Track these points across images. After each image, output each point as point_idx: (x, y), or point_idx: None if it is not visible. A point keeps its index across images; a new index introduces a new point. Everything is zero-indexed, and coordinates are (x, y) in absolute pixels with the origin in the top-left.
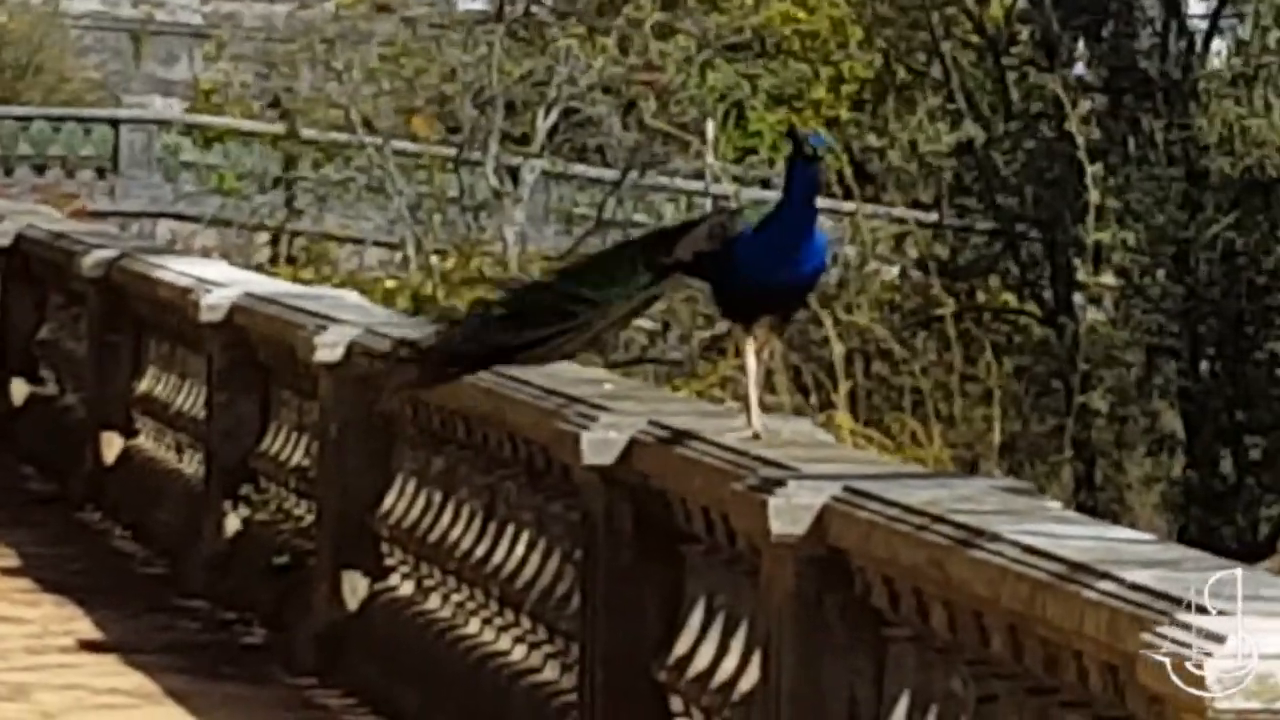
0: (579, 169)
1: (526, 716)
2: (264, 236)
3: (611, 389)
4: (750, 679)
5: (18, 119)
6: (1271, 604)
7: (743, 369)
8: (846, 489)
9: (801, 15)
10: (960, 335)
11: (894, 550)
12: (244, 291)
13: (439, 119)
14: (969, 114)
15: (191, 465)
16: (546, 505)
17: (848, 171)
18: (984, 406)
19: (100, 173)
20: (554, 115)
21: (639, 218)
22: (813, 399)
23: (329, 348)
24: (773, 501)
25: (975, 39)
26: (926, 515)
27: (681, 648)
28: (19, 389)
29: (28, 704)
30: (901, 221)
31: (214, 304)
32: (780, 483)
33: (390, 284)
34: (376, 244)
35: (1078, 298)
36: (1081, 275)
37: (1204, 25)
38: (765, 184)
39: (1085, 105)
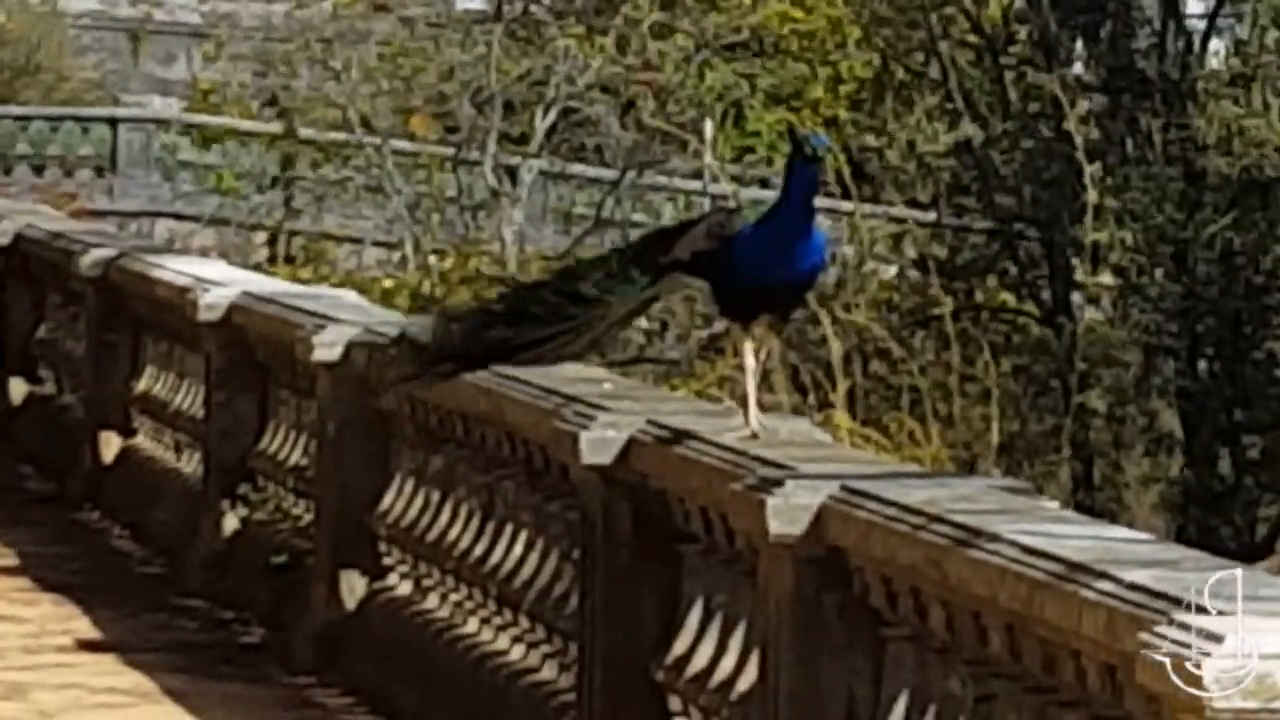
0: (577, 168)
1: (525, 716)
2: (262, 236)
3: (610, 388)
4: (748, 678)
5: (16, 118)
6: (1270, 604)
7: (741, 368)
8: (844, 488)
9: (799, 15)
10: (958, 335)
11: (892, 550)
12: (242, 291)
13: (437, 118)
14: (967, 113)
15: (190, 464)
16: (545, 504)
17: (846, 171)
18: (982, 406)
19: (98, 172)
20: (552, 115)
21: (637, 217)
22: (811, 398)
23: (327, 347)
24: (771, 501)
25: (973, 39)
26: (924, 515)
27: (680, 647)
28: (17, 388)
29: (25, 703)
30: (900, 221)
31: (212, 303)
32: (778, 482)
33: (388, 283)
34: (375, 243)
35: (1076, 297)
36: (1079, 275)
37: (1202, 25)
38: (764, 183)
39: (1083, 105)
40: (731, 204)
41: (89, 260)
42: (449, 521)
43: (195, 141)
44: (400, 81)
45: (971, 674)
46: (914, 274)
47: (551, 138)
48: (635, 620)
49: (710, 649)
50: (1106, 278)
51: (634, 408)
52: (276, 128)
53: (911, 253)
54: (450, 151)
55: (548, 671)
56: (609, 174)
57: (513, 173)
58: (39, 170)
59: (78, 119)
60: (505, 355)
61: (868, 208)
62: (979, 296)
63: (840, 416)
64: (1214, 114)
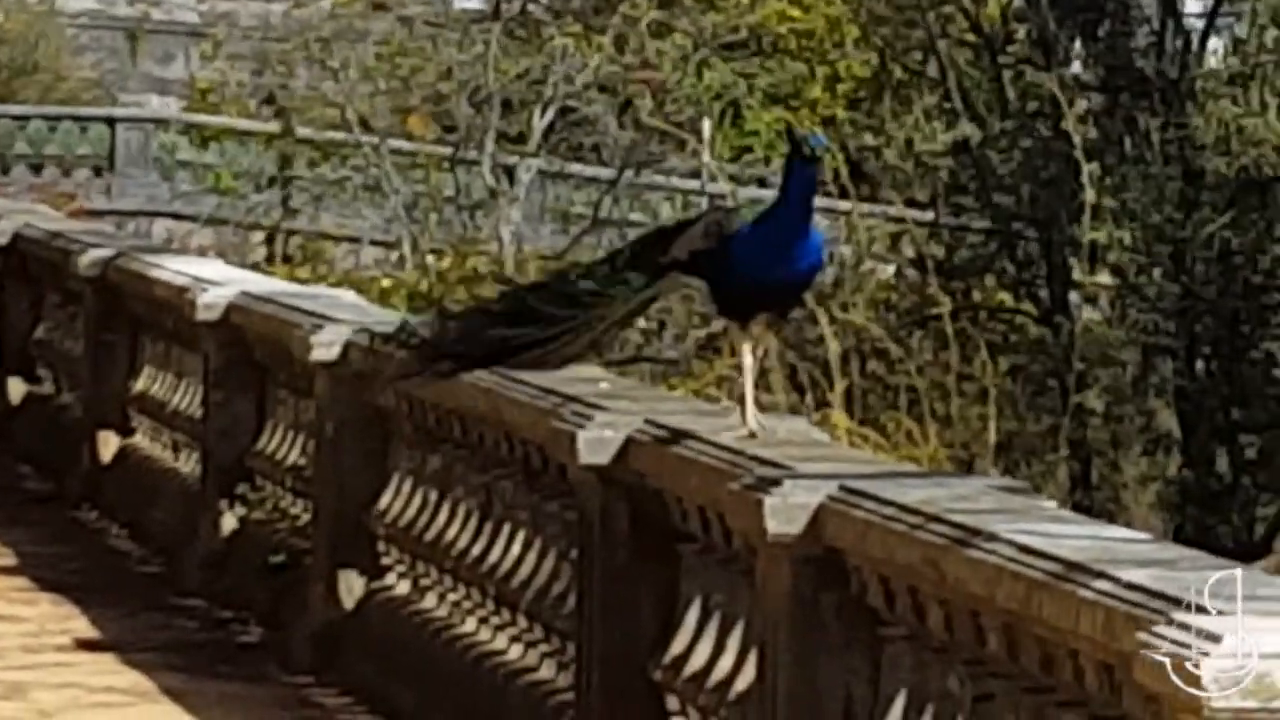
0: (575, 168)
1: (523, 715)
2: (260, 235)
3: (607, 388)
4: (746, 678)
5: (14, 118)
6: (1268, 603)
7: (739, 368)
8: (842, 488)
9: (797, 14)
10: (956, 334)
11: (890, 549)
12: (240, 290)
13: (435, 118)
14: (965, 113)
15: (188, 464)
16: (542, 504)
17: (844, 170)
18: (980, 405)
19: (97, 171)
20: (550, 114)
21: (635, 217)
22: (808, 398)
23: (325, 346)
24: (768, 501)
25: (971, 38)
26: (922, 514)
27: (678, 647)
28: (16, 388)
29: (24, 702)
30: (898, 220)
31: (210, 303)
32: (776, 482)
33: (386, 283)
34: (373, 243)
35: (1074, 297)
36: (1077, 274)
37: (1200, 24)
38: (762, 183)
39: (1082, 104)
40: (729, 203)
41: (87, 260)
42: (447, 521)
43: (193, 141)
44: (398, 81)
45: (969, 673)
46: (912, 273)
47: (549, 137)
48: (633, 620)
49: (708, 648)
50: (1104, 277)
51: (631, 407)
52: (274, 127)
53: (909, 252)
54: (448, 151)
55: (546, 671)
56: (607, 173)
57: (510, 172)
58: (37, 170)
59: (76, 118)
60: (505, 356)
61: (865, 207)
62: (977, 296)
63: (838, 416)
64: (1212, 113)
